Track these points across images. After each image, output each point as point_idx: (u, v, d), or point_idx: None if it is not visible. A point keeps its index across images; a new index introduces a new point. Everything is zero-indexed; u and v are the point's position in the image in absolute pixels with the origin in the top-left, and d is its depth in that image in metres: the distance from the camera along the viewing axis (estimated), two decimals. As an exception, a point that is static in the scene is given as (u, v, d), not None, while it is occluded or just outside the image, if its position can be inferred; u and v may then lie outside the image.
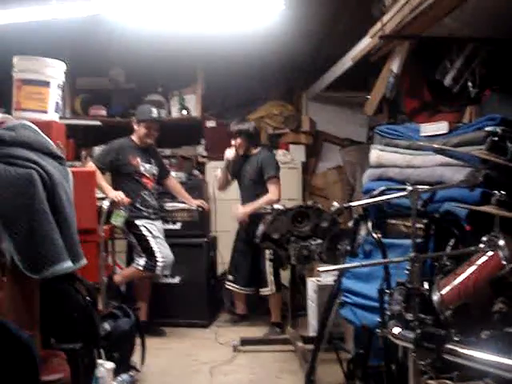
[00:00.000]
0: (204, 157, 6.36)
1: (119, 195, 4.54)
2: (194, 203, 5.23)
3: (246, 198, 5.07)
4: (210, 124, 6.30)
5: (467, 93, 4.10)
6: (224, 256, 5.57)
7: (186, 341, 4.85)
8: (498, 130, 2.46)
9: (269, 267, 4.91)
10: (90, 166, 4.73)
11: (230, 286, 5.20)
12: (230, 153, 5.07)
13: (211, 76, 6.23)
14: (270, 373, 4.09)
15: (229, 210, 5.16)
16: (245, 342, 4.57)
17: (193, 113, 6.28)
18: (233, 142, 5.03)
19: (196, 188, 5.59)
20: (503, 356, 1.55)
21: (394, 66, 4.29)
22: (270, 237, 3.99)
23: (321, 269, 2.06)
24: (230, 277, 5.19)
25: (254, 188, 5.01)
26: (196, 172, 6.25)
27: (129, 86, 6.33)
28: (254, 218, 4.76)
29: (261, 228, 4.03)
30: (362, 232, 3.29)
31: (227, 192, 5.35)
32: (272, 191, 4.90)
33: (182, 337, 4.95)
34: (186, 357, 4.44)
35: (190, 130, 6.40)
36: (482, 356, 1.42)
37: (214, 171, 5.62)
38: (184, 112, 6.26)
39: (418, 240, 2.65)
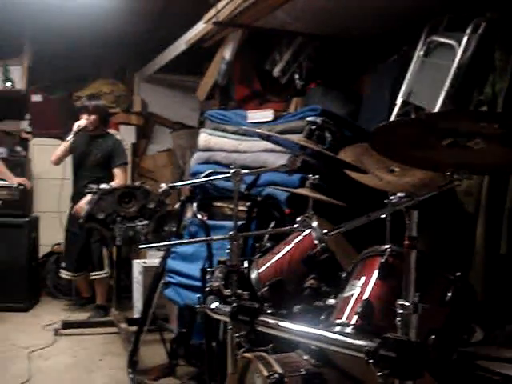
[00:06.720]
0: (28, 133, 6.03)
1: None
2: (15, 181, 4.96)
3: (87, 179, 4.67)
4: (37, 98, 5.95)
5: (294, 84, 4.33)
6: (46, 237, 5.33)
7: (3, 325, 4.58)
8: (318, 120, 2.63)
9: (104, 250, 4.78)
10: None
11: (63, 274, 4.96)
12: (82, 122, 4.68)
13: (40, 47, 5.90)
14: (92, 355, 4.01)
15: (52, 190, 4.94)
16: (67, 325, 4.42)
17: (18, 85, 5.92)
18: (85, 117, 4.69)
19: (18, 165, 5.35)
20: (312, 327, 1.68)
21: (227, 53, 4.40)
22: (94, 217, 3.91)
23: (142, 246, 2.07)
24: (63, 263, 4.98)
25: (97, 171, 4.76)
26: (19, 148, 5.91)
27: None
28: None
29: (86, 208, 3.93)
30: (189, 214, 3.35)
31: (51, 171, 5.12)
32: (120, 177, 4.71)
33: (-2, 321, 4.69)
34: (2, 342, 4.20)
35: (14, 104, 6.01)
36: (292, 326, 1.53)
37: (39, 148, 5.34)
38: (8, 84, 5.88)
39: (241, 222, 2.76)
